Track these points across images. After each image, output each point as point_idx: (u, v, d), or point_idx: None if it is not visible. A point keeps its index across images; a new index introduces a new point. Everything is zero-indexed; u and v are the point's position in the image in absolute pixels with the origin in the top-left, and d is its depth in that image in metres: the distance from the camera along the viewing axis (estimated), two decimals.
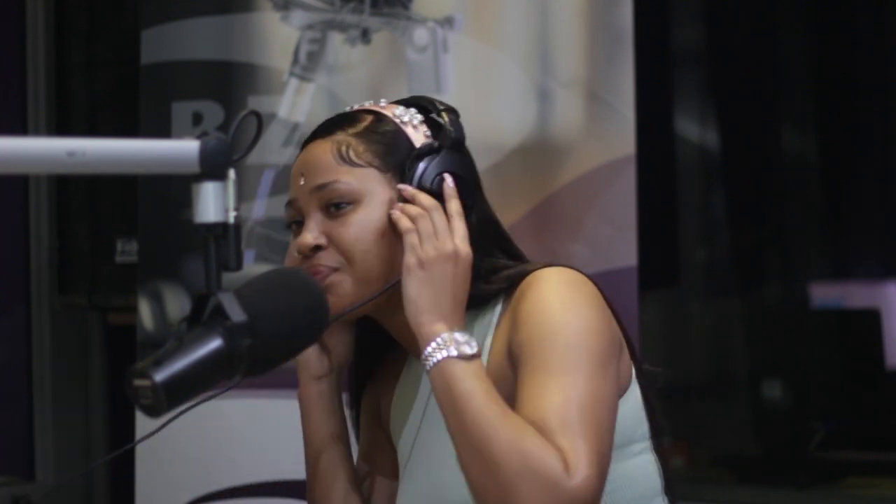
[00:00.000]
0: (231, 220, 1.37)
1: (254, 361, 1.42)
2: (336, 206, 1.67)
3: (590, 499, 1.46)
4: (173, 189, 3.12)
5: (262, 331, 1.42)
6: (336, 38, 3.05)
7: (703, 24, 4.10)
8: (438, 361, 1.56)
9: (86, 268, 3.92)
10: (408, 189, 1.65)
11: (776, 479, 3.69)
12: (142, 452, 3.11)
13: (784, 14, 4.04)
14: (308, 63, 3.06)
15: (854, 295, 3.93)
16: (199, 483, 3.06)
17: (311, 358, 1.79)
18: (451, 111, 1.73)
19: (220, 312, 1.40)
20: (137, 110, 3.22)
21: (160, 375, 1.37)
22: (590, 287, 1.64)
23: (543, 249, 2.83)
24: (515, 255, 1.74)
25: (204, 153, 1.36)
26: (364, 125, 1.70)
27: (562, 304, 1.59)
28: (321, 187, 1.68)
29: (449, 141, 1.69)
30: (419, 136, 1.70)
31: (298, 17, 3.06)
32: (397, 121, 1.70)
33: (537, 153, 2.91)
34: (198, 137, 1.36)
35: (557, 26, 2.95)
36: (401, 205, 1.65)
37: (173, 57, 3.15)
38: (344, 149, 1.68)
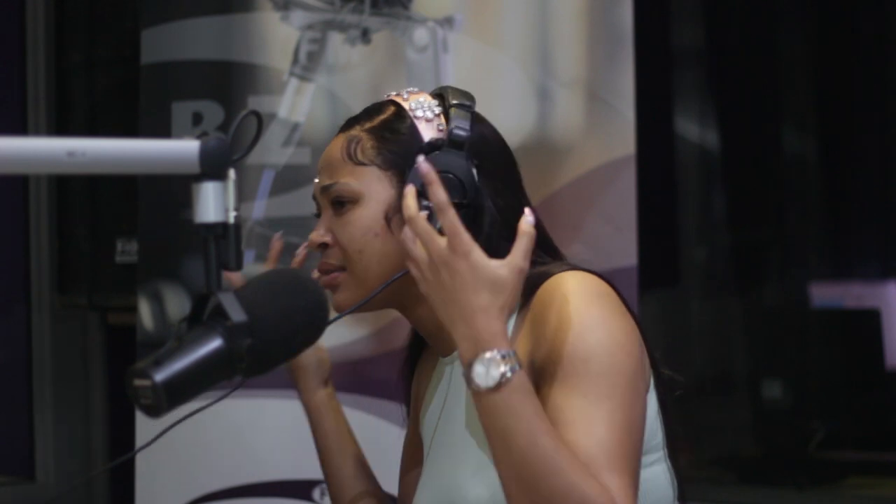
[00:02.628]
0: (231, 220, 1.38)
1: (254, 361, 1.42)
2: (340, 205, 1.70)
3: None
4: (173, 189, 3.11)
5: (263, 331, 1.42)
6: (336, 38, 3.05)
7: (703, 24, 4.10)
8: (478, 392, 1.48)
9: (86, 268, 3.92)
10: (405, 195, 1.56)
11: (776, 480, 3.69)
12: (142, 453, 3.11)
13: (784, 14, 4.04)
14: (308, 63, 3.06)
15: (854, 295, 3.93)
16: (198, 483, 3.06)
17: (310, 365, 1.82)
18: (463, 106, 1.70)
19: (220, 312, 1.40)
20: (137, 110, 3.22)
21: (160, 375, 1.37)
22: (612, 296, 1.63)
23: None
24: (548, 249, 1.73)
25: (204, 153, 1.36)
26: (380, 119, 1.72)
27: (592, 322, 1.57)
28: (327, 188, 1.72)
29: (451, 138, 1.68)
30: (432, 130, 1.70)
31: (298, 17, 3.06)
32: (412, 114, 1.71)
33: (537, 153, 2.91)
34: (198, 137, 1.37)
35: (557, 26, 2.95)
36: (406, 231, 1.56)
37: (173, 57, 3.15)
38: (353, 146, 1.71)
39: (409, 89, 1.76)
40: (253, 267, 3.00)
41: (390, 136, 1.70)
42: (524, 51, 2.95)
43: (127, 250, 3.73)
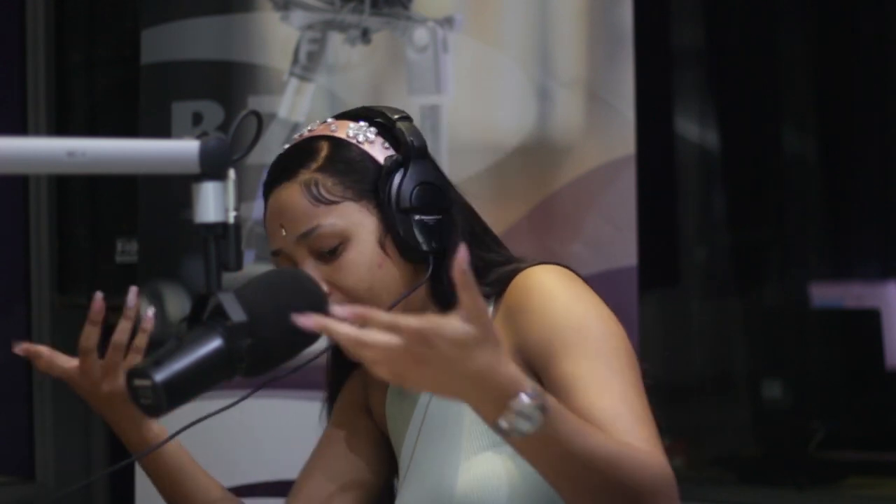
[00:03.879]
0: (231, 220, 1.37)
1: (253, 361, 1.42)
2: (328, 251, 1.65)
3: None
4: (173, 189, 3.11)
5: (262, 331, 1.42)
6: (336, 38, 3.05)
7: (703, 24, 4.10)
8: (514, 444, 1.41)
9: (86, 268, 3.92)
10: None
11: (776, 479, 3.69)
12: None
13: (784, 14, 4.04)
14: (308, 63, 3.06)
15: (854, 295, 3.93)
16: None
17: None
18: (406, 118, 1.70)
19: (220, 312, 1.40)
20: (137, 110, 3.22)
21: (160, 375, 1.37)
22: (584, 283, 1.65)
23: (543, 249, 2.83)
24: (499, 243, 1.74)
25: (204, 153, 1.36)
26: (323, 156, 1.67)
27: (573, 296, 1.61)
28: (305, 235, 1.65)
29: (413, 151, 1.66)
30: (379, 151, 1.68)
31: (298, 17, 3.06)
32: (353, 141, 1.68)
33: (537, 153, 2.91)
34: (198, 137, 1.37)
35: (557, 26, 2.95)
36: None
37: (173, 57, 3.15)
38: (314, 188, 1.65)
39: (325, 121, 1.72)
40: (253, 267, 3.00)
41: (345, 167, 1.66)
42: (524, 51, 2.95)
43: (127, 250, 3.72)
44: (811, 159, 4.05)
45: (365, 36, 3.03)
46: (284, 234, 1.66)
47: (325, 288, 1.62)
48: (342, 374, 1.84)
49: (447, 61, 2.97)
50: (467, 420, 1.65)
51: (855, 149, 4.00)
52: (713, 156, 4.10)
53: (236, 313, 1.40)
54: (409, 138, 1.67)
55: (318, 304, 1.49)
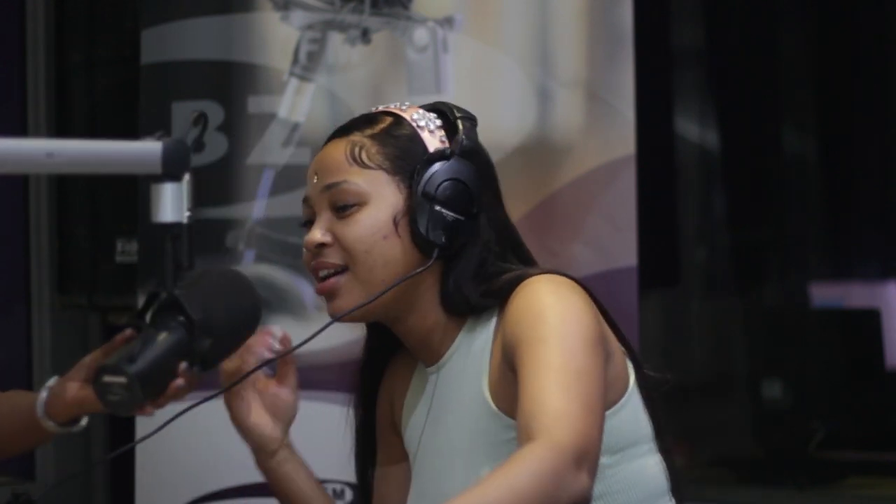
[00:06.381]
0: (185, 220, 1.41)
1: (211, 358, 1.49)
2: (343, 206, 1.69)
3: (582, 445, 1.47)
4: None
5: (218, 330, 1.49)
6: (336, 38, 3.05)
7: (703, 24, 4.11)
8: None
9: (86, 268, 3.91)
10: None
11: (776, 479, 3.69)
12: (142, 452, 3.11)
13: (784, 14, 4.04)
14: (308, 63, 3.06)
15: (854, 295, 3.94)
16: (199, 483, 3.06)
17: (265, 432, 1.77)
18: (469, 118, 1.74)
19: (177, 310, 1.45)
20: (137, 110, 3.22)
21: (135, 369, 1.42)
22: (579, 290, 1.65)
23: (543, 249, 2.83)
24: (527, 261, 1.75)
25: (166, 155, 1.39)
26: (381, 127, 1.72)
27: (553, 297, 1.61)
28: (330, 186, 1.70)
29: (460, 148, 1.70)
30: (434, 140, 1.71)
31: (298, 17, 3.06)
32: (414, 125, 1.72)
33: (537, 153, 2.91)
34: (158, 139, 1.40)
35: (557, 26, 2.95)
36: None
37: (173, 57, 3.15)
38: (357, 150, 1.70)
39: (403, 103, 1.77)
40: (253, 267, 3.00)
41: (395, 142, 1.71)
42: (524, 51, 2.95)
43: (127, 250, 3.72)
44: (811, 159, 4.06)
45: (365, 36, 3.03)
46: (315, 181, 1.72)
47: (328, 239, 1.68)
48: (372, 384, 1.85)
49: (447, 61, 2.97)
50: (467, 442, 1.66)
51: (855, 149, 4.00)
52: (713, 156, 4.10)
53: (196, 312, 1.44)
54: (462, 136, 1.70)
55: (259, 304, 1.59)
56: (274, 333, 1.74)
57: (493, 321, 1.69)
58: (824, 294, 3.97)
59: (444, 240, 1.67)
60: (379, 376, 1.84)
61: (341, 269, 1.69)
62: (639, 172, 2.87)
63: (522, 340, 1.57)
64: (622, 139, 2.88)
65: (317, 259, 1.70)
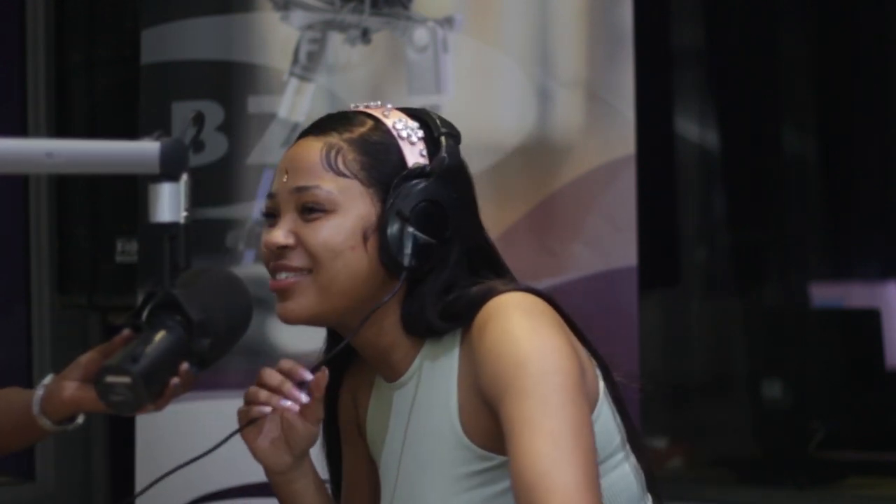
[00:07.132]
0: (182, 220, 1.41)
1: (208, 358, 1.49)
2: (311, 209, 1.63)
3: None
4: None
5: (217, 330, 1.49)
6: (336, 38, 3.05)
7: (703, 24, 4.11)
8: None
9: (86, 268, 3.91)
10: None
11: (776, 479, 3.69)
12: (142, 452, 3.11)
13: (784, 14, 4.04)
14: (308, 63, 3.06)
15: (854, 295, 3.94)
16: (199, 483, 3.06)
17: (271, 458, 1.71)
18: (451, 135, 1.67)
19: (177, 309, 1.45)
20: (137, 110, 3.22)
21: (139, 369, 1.42)
22: (548, 312, 1.60)
23: (543, 249, 2.83)
24: (498, 268, 1.70)
25: (164, 154, 1.40)
26: (360, 131, 1.66)
27: (526, 331, 1.56)
28: (301, 189, 1.63)
29: (440, 167, 1.64)
30: (414, 153, 1.65)
31: (298, 17, 3.06)
32: (395, 133, 1.66)
33: (537, 153, 2.91)
34: (156, 139, 1.40)
35: (557, 26, 2.95)
36: None
37: (173, 57, 3.15)
38: (333, 154, 1.64)
39: (385, 105, 1.71)
40: (253, 267, 3.00)
41: (373, 150, 1.64)
42: (524, 51, 2.95)
43: (127, 250, 3.72)
44: (811, 159, 4.06)
45: (365, 36, 3.03)
46: (286, 179, 1.65)
47: (290, 241, 1.62)
48: (333, 385, 1.77)
49: (447, 61, 2.97)
50: (437, 471, 1.63)
51: (855, 149, 4.00)
52: (713, 156, 4.10)
53: (195, 312, 1.44)
54: (444, 155, 1.65)
55: (251, 306, 1.58)
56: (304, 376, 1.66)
57: (457, 341, 1.63)
58: (824, 294, 3.97)
59: (413, 263, 1.61)
60: (339, 376, 1.79)
61: (304, 272, 1.63)
62: (639, 172, 2.87)
63: (504, 391, 1.52)
64: (622, 139, 2.88)
65: (278, 260, 1.64)
